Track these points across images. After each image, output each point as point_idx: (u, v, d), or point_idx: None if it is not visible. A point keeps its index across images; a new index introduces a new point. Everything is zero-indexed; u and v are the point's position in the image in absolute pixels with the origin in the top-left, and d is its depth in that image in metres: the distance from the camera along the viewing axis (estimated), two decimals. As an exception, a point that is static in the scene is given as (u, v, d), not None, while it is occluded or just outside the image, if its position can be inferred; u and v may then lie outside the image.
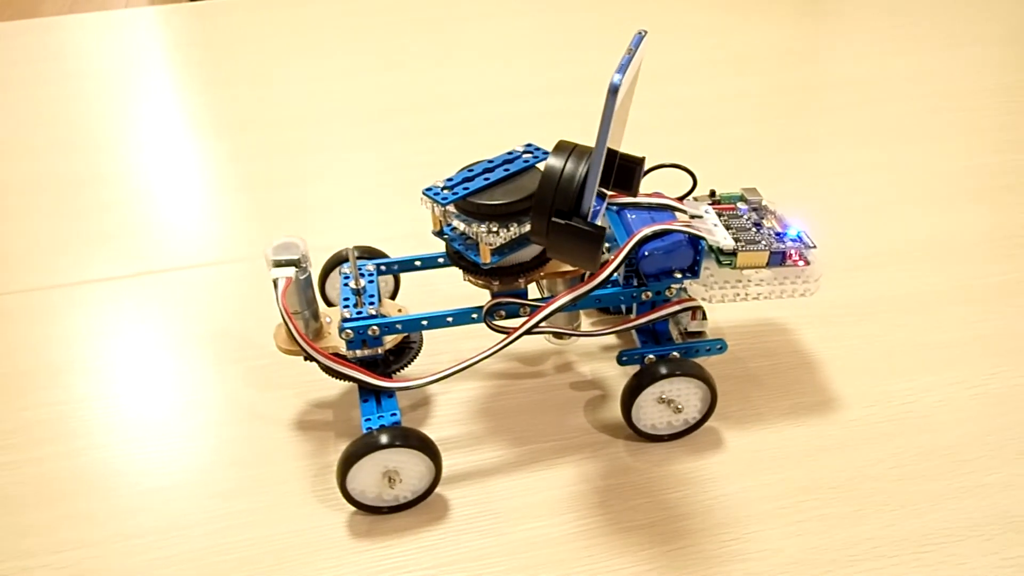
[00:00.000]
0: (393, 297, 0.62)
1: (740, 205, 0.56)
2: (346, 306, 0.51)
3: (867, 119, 0.91)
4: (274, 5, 1.23)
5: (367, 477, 0.48)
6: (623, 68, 0.35)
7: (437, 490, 0.51)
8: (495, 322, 0.51)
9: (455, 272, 0.52)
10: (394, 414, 0.50)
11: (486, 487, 0.51)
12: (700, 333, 0.55)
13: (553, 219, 0.41)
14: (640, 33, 0.37)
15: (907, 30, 1.11)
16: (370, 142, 0.89)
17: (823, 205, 0.77)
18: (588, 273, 0.50)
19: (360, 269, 0.54)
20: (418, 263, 0.57)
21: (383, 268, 0.56)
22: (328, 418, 0.56)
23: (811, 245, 0.52)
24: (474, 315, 0.51)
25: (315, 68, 1.05)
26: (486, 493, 0.51)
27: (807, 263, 0.52)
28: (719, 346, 0.54)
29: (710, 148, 0.85)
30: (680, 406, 0.53)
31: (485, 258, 0.48)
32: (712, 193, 0.57)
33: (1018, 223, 0.74)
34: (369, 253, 0.58)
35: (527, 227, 0.48)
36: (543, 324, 0.49)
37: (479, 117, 0.93)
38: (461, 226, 0.48)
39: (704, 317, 0.54)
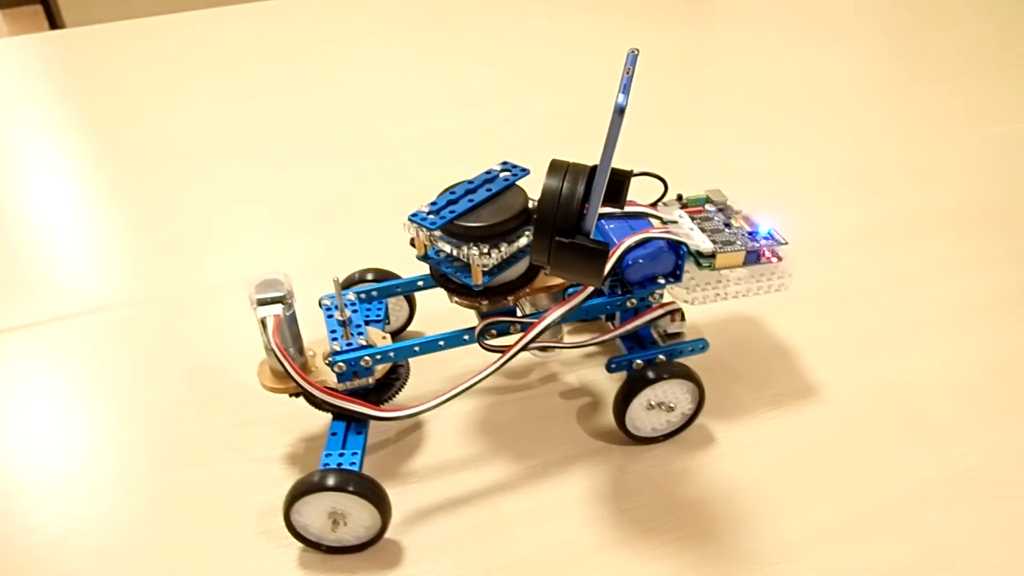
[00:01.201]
0: (407, 324, 0.63)
1: (708, 207, 0.58)
2: (334, 338, 0.50)
3: (757, 119, 0.94)
4: (147, 33, 1.20)
5: (312, 513, 0.47)
6: (626, 89, 0.36)
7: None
8: (488, 341, 0.51)
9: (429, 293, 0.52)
10: (355, 453, 0.49)
11: (493, 501, 0.51)
12: (679, 334, 0.56)
13: (557, 239, 0.41)
14: (633, 52, 0.37)
15: (781, 30, 1.16)
16: (258, 168, 0.88)
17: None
18: (572, 285, 0.51)
19: (345, 296, 0.53)
20: (399, 289, 0.56)
21: (363, 297, 0.56)
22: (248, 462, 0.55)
23: (783, 241, 0.54)
24: (466, 336, 0.51)
25: (191, 96, 1.03)
26: (493, 508, 0.51)
27: (779, 259, 0.54)
28: (701, 345, 0.55)
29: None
30: (671, 406, 0.54)
31: (477, 280, 0.48)
32: (679, 197, 0.58)
33: (897, 213, 0.78)
34: (380, 275, 0.59)
35: (515, 246, 0.48)
36: (537, 339, 0.49)
37: (370, 137, 0.92)
38: (449, 249, 0.48)
39: (683, 319, 0.55)
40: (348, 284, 0.59)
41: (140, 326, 0.67)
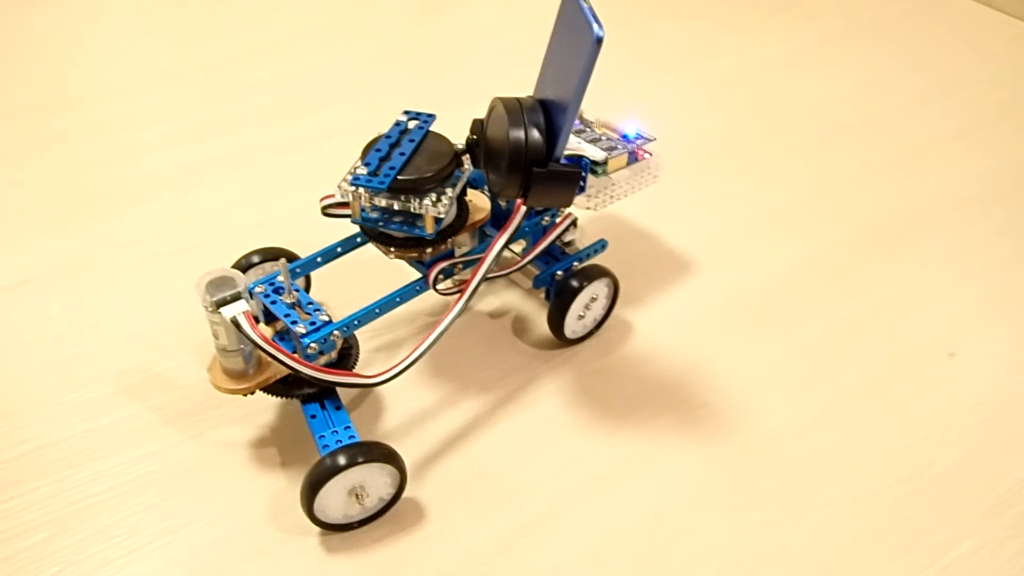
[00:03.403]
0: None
1: (576, 122, 0.63)
2: (294, 321, 0.49)
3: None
4: None
5: (333, 498, 0.47)
6: (598, 19, 0.39)
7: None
8: (440, 286, 0.53)
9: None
10: (347, 427, 0.49)
11: (480, 432, 0.54)
12: (572, 242, 0.62)
13: (535, 170, 0.44)
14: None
15: None
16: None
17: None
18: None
19: (273, 280, 0.51)
20: (320, 259, 0.55)
21: (298, 271, 0.54)
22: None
23: (651, 138, 0.61)
24: (417, 287, 0.52)
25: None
26: (483, 438, 0.54)
27: (651, 155, 0.61)
28: (602, 244, 0.61)
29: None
30: (594, 306, 0.60)
31: (430, 228, 0.49)
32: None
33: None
34: (274, 255, 0.57)
35: (456, 188, 0.50)
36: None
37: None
38: (395, 205, 0.49)
39: (575, 226, 0.61)
40: (242, 268, 0.57)
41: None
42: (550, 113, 0.45)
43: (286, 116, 0.84)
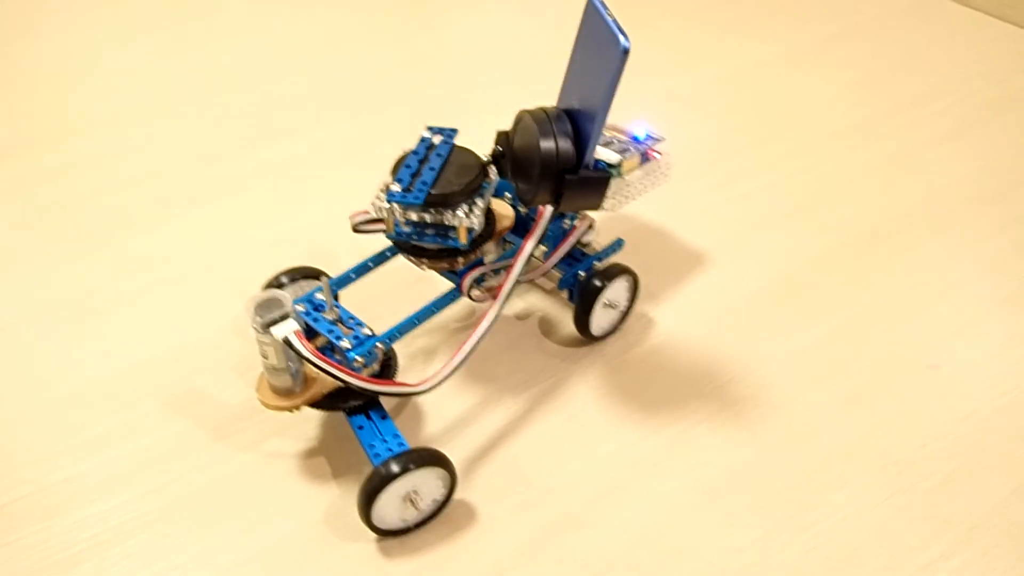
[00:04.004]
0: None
1: (585, 126, 0.65)
2: (338, 336, 0.51)
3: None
4: None
5: (389, 505, 0.49)
6: (623, 31, 0.41)
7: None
8: (474, 293, 0.55)
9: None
10: (396, 435, 0.51)
11: (520, 432, 0.56)
12: (590, 243, 0.64)
13: (567, 177, 0.46)
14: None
15: None
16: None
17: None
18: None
19: (312, 298, 0.53)
20: (353, 275, 0.57)
21: (333, 288, 0.56)
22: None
23: (661, 138, 0.63)
24: (452, 296, 0.54)
25: None
26: (523, 438, 0.56)
27: (661, 154, 0.63)
28: (620, 243, 0.64)
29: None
30: (616, 303, 0.62)
31: (463, 239, 0.51)
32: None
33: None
34: (314, 274, 0.58)
35: (486, 200, 0.52)
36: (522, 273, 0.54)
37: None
38: (428, 218, 0.51)
39: (592, 227, 0.63)
40: (276, 286, 0.58)
41: None
42: (576, 121, 0.47)
43: (278, 136, 0.85)
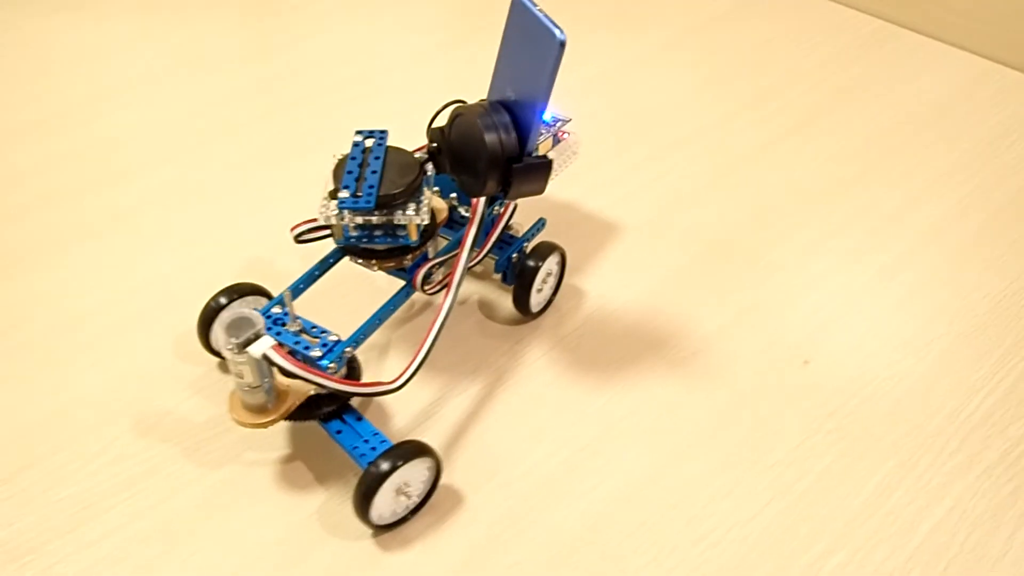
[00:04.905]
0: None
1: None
2: (305, 347, 0.51)
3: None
4: None
5: (384, 500, 0.50)
6: (557, 25, 0.44)
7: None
8: (428, 286, 0.57)
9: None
10: (376, 434, 0.52)
11: (488, 413, 0.59)
12: (514, 225, 0.67)
13: (514, 166, 0.49)
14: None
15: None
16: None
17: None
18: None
19: (269, 313, 0.53)
20: (302, 285, 0.57)
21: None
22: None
23: (568, 119, 0.67)
24: (405, 293, 0.56)
25: None
26: (492, 419, 0.59)
27: (570, 133, 0.67)
28: (543, 223, 0.67)
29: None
30: (549, 274, 0.66)
31: (414, 236, 0.53)
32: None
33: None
34: (250, 290, 0.59)
35: (429, 196, 0.54)
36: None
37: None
38: (377, 220, 0.52)
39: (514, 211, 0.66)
40: (216, 311, 0.58)
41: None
42: (513, 112, 0.50)
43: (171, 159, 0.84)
